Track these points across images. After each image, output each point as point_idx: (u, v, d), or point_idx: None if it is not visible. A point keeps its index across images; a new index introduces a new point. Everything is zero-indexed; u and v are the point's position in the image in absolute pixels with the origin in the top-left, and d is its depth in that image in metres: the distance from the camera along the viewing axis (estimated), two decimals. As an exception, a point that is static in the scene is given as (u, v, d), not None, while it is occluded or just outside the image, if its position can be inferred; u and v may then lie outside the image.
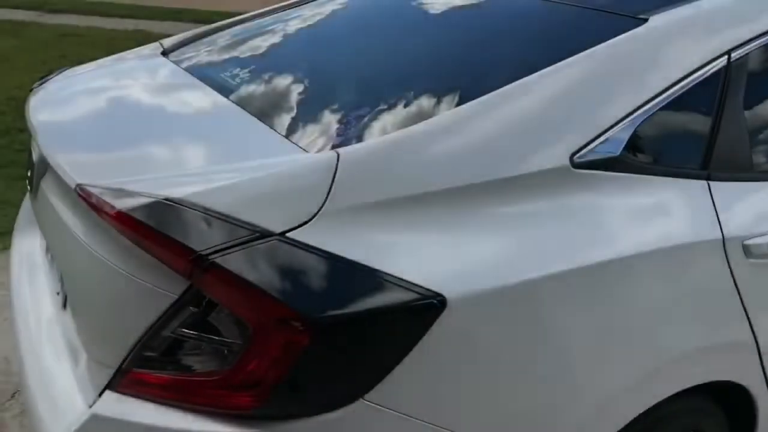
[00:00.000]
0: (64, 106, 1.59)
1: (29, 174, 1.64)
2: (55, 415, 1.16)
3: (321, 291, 1.00)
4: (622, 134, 1.24)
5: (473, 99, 1.20)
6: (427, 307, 1.02)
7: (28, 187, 1.67)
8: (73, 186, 1.16)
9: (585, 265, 1.13)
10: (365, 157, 1.11)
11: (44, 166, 1.40)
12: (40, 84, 1.78)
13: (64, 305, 1.36)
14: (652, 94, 1.28)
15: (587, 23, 1.43)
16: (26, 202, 1.86)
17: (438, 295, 1.02)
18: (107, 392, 1.10)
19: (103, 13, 8.49)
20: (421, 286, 1.02)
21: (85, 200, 1.12)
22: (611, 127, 1.23)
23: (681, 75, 1.31)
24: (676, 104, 1.31)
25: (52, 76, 1.85)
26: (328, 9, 1.97)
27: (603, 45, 1.29)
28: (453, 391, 1.06)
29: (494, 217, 1.12)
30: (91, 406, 1.10)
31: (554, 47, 1.37)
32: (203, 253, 1.00)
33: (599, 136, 1.22)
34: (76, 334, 1.24)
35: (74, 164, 1.24)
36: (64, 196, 1.29)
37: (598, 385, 1.16)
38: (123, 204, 1.06)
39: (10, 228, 2.13)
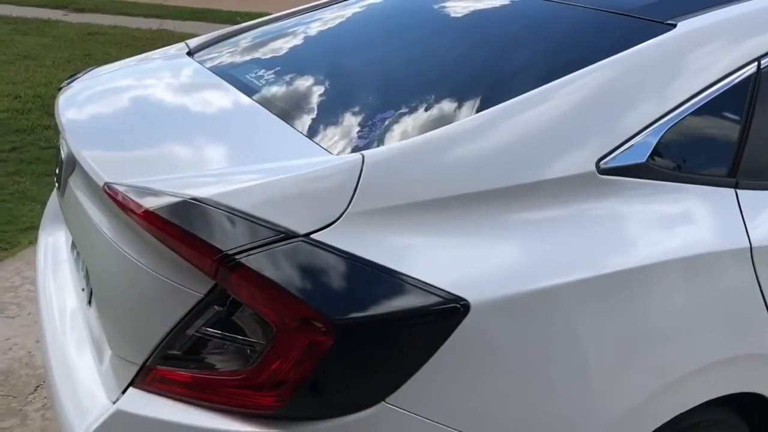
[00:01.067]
0: (92, 105, 1.62)
1: (57, 171, 1.66)
2: (78, 410, 1.18)
3: (344, 293, 1.00)
4: (648, 140, 1.23)
5: (499, 103, 1.19)
6: (450, 311, 1.02)
7: (56, 184, 1.69)
8: (101, 184, 1.18)
9: (609, 271, 1.12)
10: (390, 160, 1.11)
11: (72, 164, 1.42)
12: (69, 83, 1.80)
13: (89, 301, 1.38)
14: (679, 101, 1.26)
15: (615, 28, 1.42)
16: (53, 198, 1.88)
17: (461, 299, 1.02)
18: (131, 389, 1.11)
19: (128, 13, 8.62)
20: (444, 290, 1.02)
21: (113, 198, 1.13)
22: (638, 133, 1.22)
23: (709, 81, 1.29)
24: (704, 111, 1.29)
25: (79, 74, 1.87)
26: (351, 11, 1.97)
27: (631, 50, 1.27)
28: (474, 396, 1.05)
29: (518, 222, 1.12)
30: (114, 402, 1.11)
31: (581, 52, 1.36)
32: (229, 252, 1.00)
33: (626, 142, 1.20)
34: (101, 330, 1.26)
35: (102, 162, 1.26)
36: (91, 193, 1.31)
37: (618, 396, 1.15)
38: (150, 203, 1.07)
39: (36, 224, 2.17)
